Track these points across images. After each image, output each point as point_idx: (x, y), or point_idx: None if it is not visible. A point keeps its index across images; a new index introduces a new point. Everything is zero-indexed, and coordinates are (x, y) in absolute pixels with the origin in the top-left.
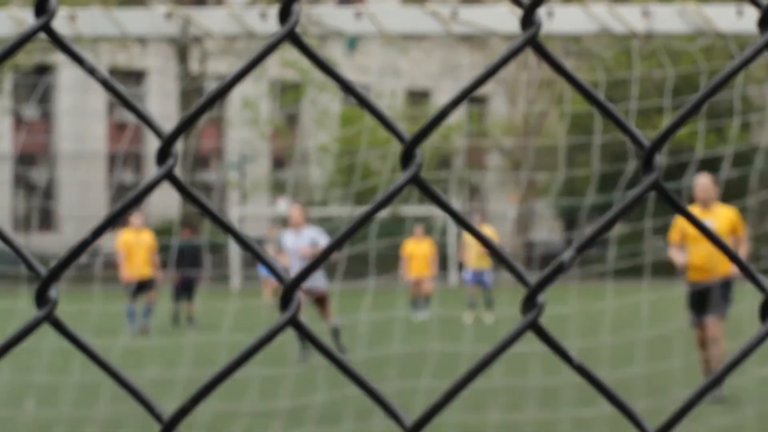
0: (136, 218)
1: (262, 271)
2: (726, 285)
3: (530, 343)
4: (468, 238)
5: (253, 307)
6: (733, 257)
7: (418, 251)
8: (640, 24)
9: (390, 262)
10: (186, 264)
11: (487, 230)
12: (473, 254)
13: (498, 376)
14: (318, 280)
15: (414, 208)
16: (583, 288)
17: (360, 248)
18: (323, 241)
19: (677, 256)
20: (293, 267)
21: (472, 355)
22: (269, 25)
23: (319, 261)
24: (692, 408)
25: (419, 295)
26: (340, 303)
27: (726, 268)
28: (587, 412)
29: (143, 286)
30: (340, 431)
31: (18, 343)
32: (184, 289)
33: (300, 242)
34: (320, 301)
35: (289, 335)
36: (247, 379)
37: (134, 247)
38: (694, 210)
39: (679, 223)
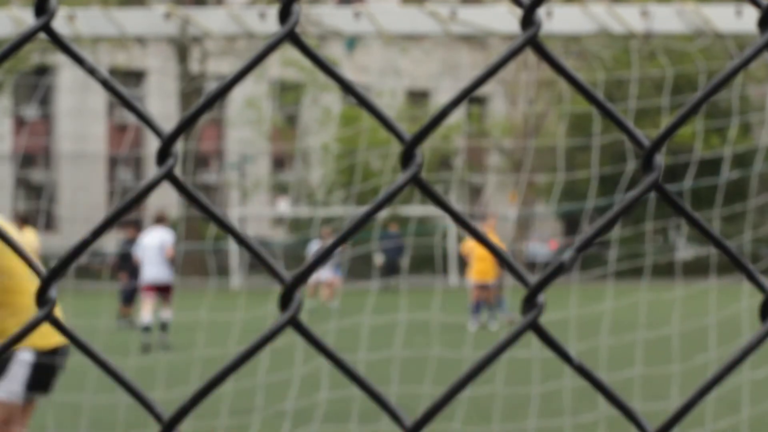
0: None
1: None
2: None
3: (530, 348)
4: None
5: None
6: (734, 258)
7: (483, 249)
8: (639, 24)
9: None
10: (130, 264)
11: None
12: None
13: (500, 383)
14: (163, 274)
15: (415, 209)
16: (583, 289)
17: (363, 249)
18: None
19: None
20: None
21: (475, 359)
22: (269, 25)
23: (319, 260)
24: (692, 408)
25: (480, 301)
26: (343, 303)
27: None
28: (587, 417)
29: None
30: (346, 429)
31: (19, 342)
32: (129, 291)
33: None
34: (164, 292)
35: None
36: (256, 382)
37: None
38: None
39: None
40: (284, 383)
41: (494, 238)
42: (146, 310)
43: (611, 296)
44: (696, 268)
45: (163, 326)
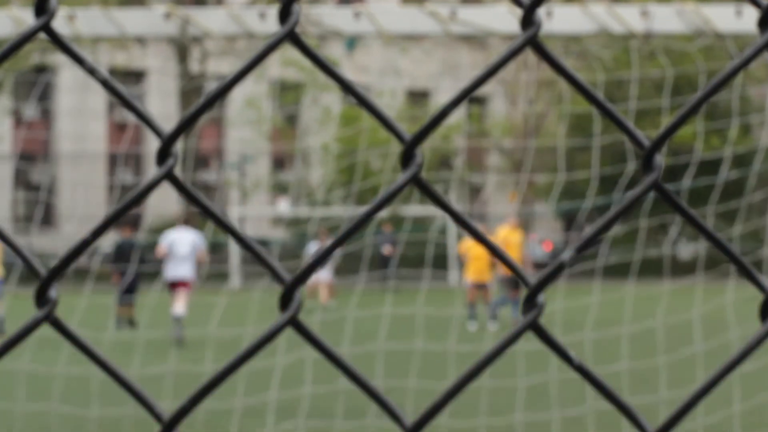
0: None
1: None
2: None
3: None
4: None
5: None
6: (734, 258)
7: (478, 249)
8: (639, 24)
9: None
10: (124, 264)
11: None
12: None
13: (485, 376)
14: (189, 273)
15: (414, 209)
16: (571, 285)
17: (354, 246)
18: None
19: None
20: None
21: (458, 354)
22: (269, 25)
23: (319, 260)
24: (692, 408)
25: (476, 301)
26: (337, 301)
27: None
28: (575, 411)
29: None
30: (332, 425)
31: (18, 343)
32: (126, 291)
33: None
34: (181, 288)
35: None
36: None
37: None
38: None
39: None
40: (267, 374)
41: (517, 237)
42: (180, 302)
43: (598, 291)
44: (685, 267)
45: (177, 320)
